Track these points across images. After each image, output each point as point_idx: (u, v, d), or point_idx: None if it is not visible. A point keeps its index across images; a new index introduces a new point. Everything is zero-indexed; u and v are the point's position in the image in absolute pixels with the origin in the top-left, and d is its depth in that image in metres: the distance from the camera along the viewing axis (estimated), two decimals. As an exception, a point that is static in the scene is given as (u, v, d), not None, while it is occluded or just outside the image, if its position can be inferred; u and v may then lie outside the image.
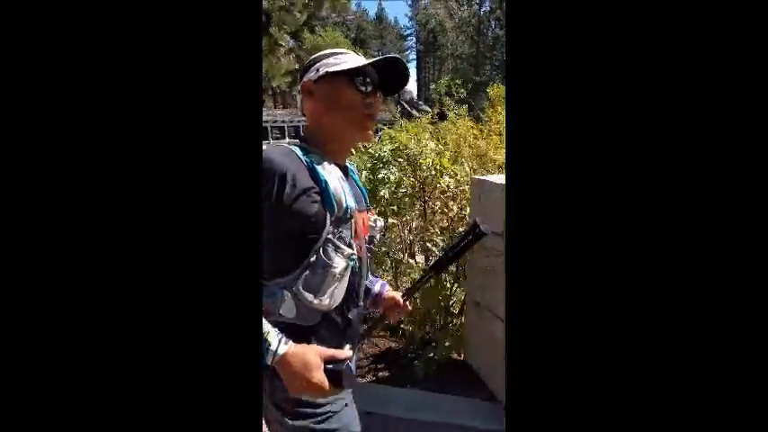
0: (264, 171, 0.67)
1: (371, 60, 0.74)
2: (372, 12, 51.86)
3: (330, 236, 0.72)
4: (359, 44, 39.08)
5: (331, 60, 0.74)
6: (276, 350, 0.64)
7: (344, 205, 0.73)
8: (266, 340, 0.64)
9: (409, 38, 43.37)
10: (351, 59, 0.75)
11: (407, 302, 0.93)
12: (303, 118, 0.79)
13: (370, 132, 0.78)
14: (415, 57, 41.31)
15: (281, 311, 0.71)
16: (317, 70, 0.74)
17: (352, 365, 0.70)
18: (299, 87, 0.78)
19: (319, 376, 0.65)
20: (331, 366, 0.67)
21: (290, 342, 0.67)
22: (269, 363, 0.65)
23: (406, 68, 0.77)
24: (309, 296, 0.71)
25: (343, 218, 0.74)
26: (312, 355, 0.66)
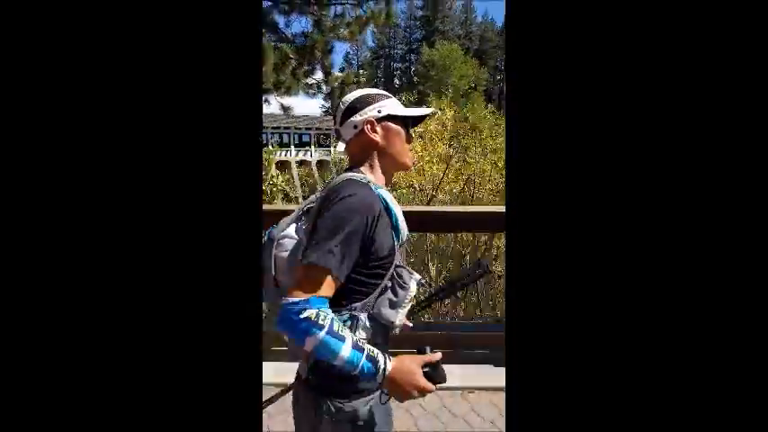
0: (358, 211, 0.78)
1: (419, 112, 0.94)
2: (500, 21, 48.35)
3: (398, 261, 0.85)
4: (480, 55, 43.66)
5: (386, 103, 0.90)
6: (386, 368, 0.76)
7: (406, 233, 0.89)
8: (375, 359, 0.76)
9: None
10: (397, 104, 0.92)
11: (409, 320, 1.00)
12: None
13: (412, 165, 0.98)
14: None
15: (357, 332, 0.81)
16: (379, 111, 0.89)
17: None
18: (358, 121, 0.89)
19: (423, 382, 0.79)
20: (427, 370, 0.80)
21: (391, 358, 0.78)
22: (380, 379, 0.77)
23: (429, 117, 0.98)
24: (391, 315, 0.84)
25: (402, 244, 0.88)
26: (414, 366, 0.79)
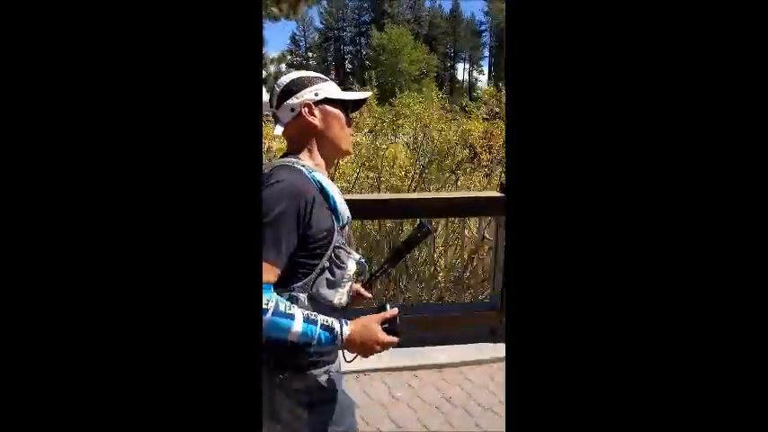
0: (288, 196, 0.79)
1: (357, 96, 0.95)
2: (447, 8, 48.74)
3: (337, 243, 0.88)
4: (430, 41, 42.68)
5: (323, 86, 0.90)
6: (342, 332, 0.81)
7: (347, 216, 0.91)
8: (330, 327, 0.80)
9: (484, 34, 44.55)
10: (335, 88, 0.93)
11: (369, 291, 1.07)
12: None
13: (351, 149, 1.00)
14: (488, 53, 44.13)
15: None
16: (316, 94, 0.89)
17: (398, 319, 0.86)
18: (295, 104, 0.89)
19: (384, 338, 0.83)
20: (387, 325, 0.85)
21: (349, 322, 0.83)
22: (339, 344, 0.81)
23: (365, 102, 0.99)
24: (330, 295, 0.87)
25: (343, 226, 0.91)
26: (372, 324, 0.83)
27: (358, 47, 46.95)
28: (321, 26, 49.59)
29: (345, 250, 0.91)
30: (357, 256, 0.94)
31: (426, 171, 4.28)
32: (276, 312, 0.78)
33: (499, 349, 2.23)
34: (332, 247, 0.88)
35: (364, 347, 0.84)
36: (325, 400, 0.93)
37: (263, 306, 0.77)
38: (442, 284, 3.06)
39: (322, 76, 0.95)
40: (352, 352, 0.85)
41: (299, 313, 0.80)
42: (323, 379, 0.92)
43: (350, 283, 0.93)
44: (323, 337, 0.81)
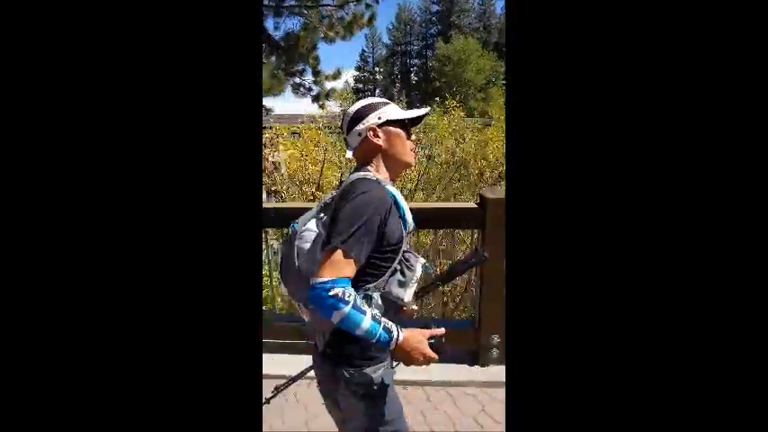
0: (373, 204, 0.91)
1: (416, 114, 1.05)
2: None
3: (406, 248, 0.99)
4: (501, 48, 40.68)
5: (385, 110, 1.03)
6: (399, 336, 0.90)
7: (412, 225, 1.03)
8: (390, 330, 0.89)
9: None
10: (396, 109, 1.04)
11: (416, 302, 1.12)
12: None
13: (414, 161, 1.09)
14: None
15: (370, 309, 0.90)
16: (379, 117, 1.02)
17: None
18: (361, 129, 1.02)
19: (429, 351, 0.93)
20: (432, 341, 0.94)
21: (402, 329, 0.91)
22: (393, 347, 0.90)
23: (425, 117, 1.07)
24: (401, 293, 0.98)
25: (410, 233, 1.02)
26: (421, 337, 0.93)
27: (424, 59, 47.31)
28: (389, 41, 51.20)
29: (414, 254, 1.03)
30: (423, 261, 1.04)
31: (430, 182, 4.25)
32: (354, 306, 0.88)
33: (476, 373, 2.14)
34: (401, 251, 0.99)
35: (410, 356, 0.93)
36: (380, 393, 1.02)
37: (346, 297, 0.86)
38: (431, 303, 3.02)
39: (385, 100, 1.08)
40: (399, 358, 0.94)
41: (369, 311, 0.90)
42: (378, 374, 1.01)
43: (417, 284, 1.03)
44: (382, 337, 0.90)
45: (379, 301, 0.98)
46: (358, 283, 0.95)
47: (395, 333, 0.91)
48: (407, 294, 1.00)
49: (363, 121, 1.04)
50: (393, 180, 1.08)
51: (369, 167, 1.04)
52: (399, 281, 0.99)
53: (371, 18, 6.63)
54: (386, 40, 52.20)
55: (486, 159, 5.52)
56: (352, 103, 1.11)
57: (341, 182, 1.06)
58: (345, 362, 0.99)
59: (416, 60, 50.42)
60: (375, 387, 1.01)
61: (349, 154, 1.08)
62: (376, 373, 1.01)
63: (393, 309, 1.01)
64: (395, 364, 1.00)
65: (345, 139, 1.08)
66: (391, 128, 1.05)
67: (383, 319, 0.91)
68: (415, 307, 1.10)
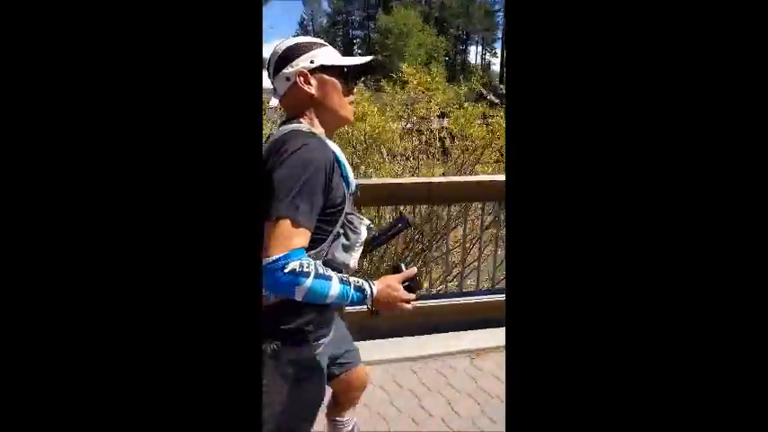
0: (314, 160, 0.80)
1: (355, 61, 0.92)
2: None
3: (349, 210, 0.90)
4: (441, 23, 40.30)
5: (320, 52, 0.88)
6: (372, 290, 0.86)
7: (355, 184, 0.94)
8: (362, 288, 0.84)
9: (498, 14, 41.60)
10: (334, 53, 0.91)
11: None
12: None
13: (352, 117, 0.97)
14: (501, 35, 40.71)
15: None
16: (311, 61, 0.87)
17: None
18: (289, 73, 0.87)
19: (405, 294, 0.90)
20: (407, 284, 0.92)
21: (374, 282, 0.87)
22: (369, 303, 0.86)
23: (373, 67, 1.03)
24: (345, 258, 0.90)
25: (353, 193, 0.93)
26: (395, 283, 0.89)
27: (366, 30, 46.04)
28: (329, 10, 49.12)
29: (357, 216, 0.95)
30: (367, 222, 0.97)
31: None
32: (318, 275, 0.80)
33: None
34: (344, 213, 0.90)
35: (390, 305, 0.90)
36: (314, 377, 0.96)
37: (305, 269, 0.78)
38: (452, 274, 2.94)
39: (320, 41, 0.93)
40: (379, 309, 0.90)
41: (334, 275, 0.83)
42: (317, 352, 0.95)
43: (361, 247, 0.96)
44: (355, 297, 0.85)
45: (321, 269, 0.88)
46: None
47: (367, 289, 0.87)
48: (353, 259, 0.94)
49: (292, 64, 0.89)
50: (328, 136, 0.94)
51: (301, 120, 0.91)
52: (343, 245, 0.91)
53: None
54: (326, 7, 49.62)
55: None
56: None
57: (268, 136, 0.91)
58: (273, 335, 0.89)
59: (359, 31, 48.90)
60: (304, 367, 0.94)
61: (273, 102, 0.93)
62: (310, 351, 0.93)
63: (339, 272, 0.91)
64: (377, 315, 0.94)
65: (272, 84, 0.92)
66: (326, 75, 0.91)
67: (351, 279, 0.86)
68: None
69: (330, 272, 0.84)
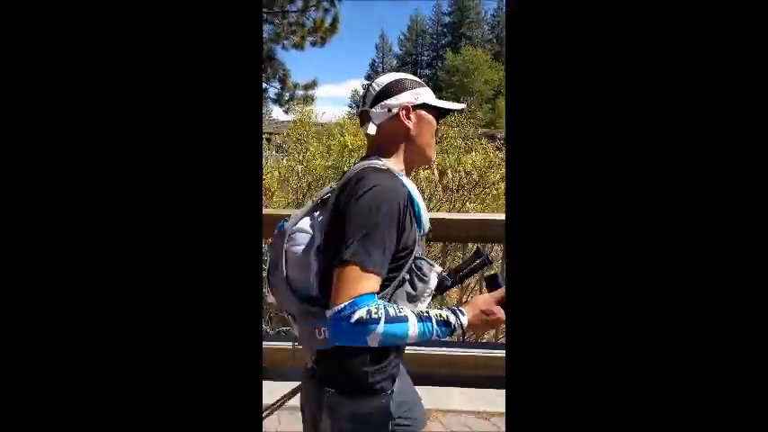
0: (387, 199, 0.73)
1: (453, 106, 0.92)
2: None
3: (418, 254, 0.80)
4: None
5: (422, 91, 0.87)
6: (461, 322, 0.76)
7: (428, 225, 0.83)
8: (447, 322, 0.74)
9: None
10: (431, 94, 0.89)
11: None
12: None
13: (435, 159, 0.95)
14: None
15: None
16: (416, 98, 0.86)
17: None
18: (393, 105, 0.84)
19: (501, 313, 0.79)
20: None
21: (463, 309, 0.78)
22: (458, 333, 0.77)
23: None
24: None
25: (424, 236, 0.82)
26: (489, 307, 0.80)
27: (434, 69, 47.44)
28: (399, 51, 52.51)
29: (428, 262, 0.83)
30: (439, 269, 0.85)
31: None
32: (388, 320, 0.70)
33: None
34: (413, 257, 0.81)
35: (484, 328, 0.86)
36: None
37: (373, 315, 0.69)
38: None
39: (421, 80, 0.92)
40: (476, 331, 0.94)
41: (411, 313, 0.74)
42: (377, 406, 0.81)
43: (430, 298, 0.84)
44: (440, 332, 0.76)
45: None
46: None
47: (454, 321, 0.77)
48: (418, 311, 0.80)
49: (397, 97, 0.87)
50: (408, 175, 0.89)
51: (380, 156, 0.86)
52: (409, 294, 0.80)
53: (335, 22, 6.68)
54: (396, 50, 52.77)
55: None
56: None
57: (343, 173, 0.86)
58: (333, 383, 0.80)
59: (427, 71, 50.68)
60: (369, 424, 0.81)
61: (371, 129, 0.87)
62: (374, 403, 0.81)
63: None
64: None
65: (365, 113, 0.88)
66: (425, 113, 0.89)
67: (434, 313, 0.76)
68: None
69: (405, 310, 0.74)
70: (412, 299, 0.81)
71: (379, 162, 0.85)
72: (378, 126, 0.88)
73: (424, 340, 0.75)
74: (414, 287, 0.81)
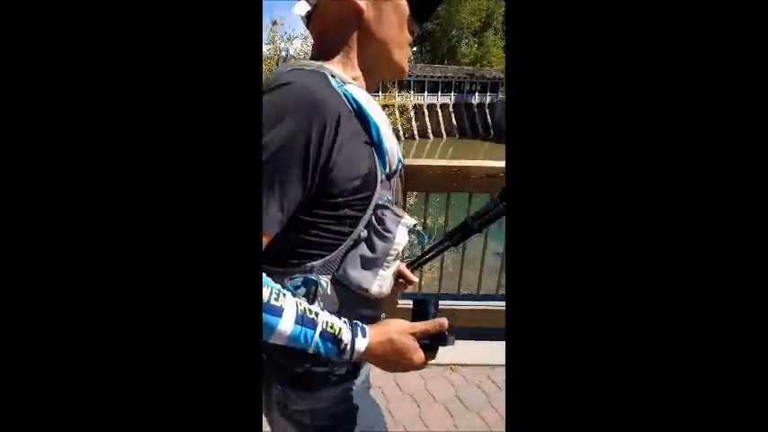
0: (296, 110, 0.50)
1: None
2: None
3: (381, 200, 0.58)
4: None
5: None
6: (355, 346, 0.54)
7: (397, 158, 0.60)
8: (335, 337, 0.53)
9: None
10: None
11: (414, 274, 0.78)
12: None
13: (407, 70, 0.64)
14: None
15: (315, 304, 0.56)
16: None
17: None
18: None
19: (418, 358, 0.57)
20: (427, 342, 0.58)
21: (367, 330, 0.56)
22: (348, 360, 0.54)
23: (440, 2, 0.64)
24: (365, 279, 0.57)
25: (391, 175, 0.60)
26: (404, 339, 0.56)
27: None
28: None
29: (394, 212, 0.60)
30: (410, 222, 0.63)
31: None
32: (264, 305, 0.51)
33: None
34: (372, 205, 0.58)
35: (388, 365, 0.59)
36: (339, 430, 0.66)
37: None
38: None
39: None
40: (373, 363, 0.59)
41: (290, 307, 0.53)
42: (337, 399, 0.65)
43: (397, 262, 0.63)
44: (322, 347, 0.54)
45: (329, 292, 0.59)
46: (291, 259, 0.58)
47: (347, 340, 0.55)
48: (377, 281, 0.61)
49: None
50: (369, 87, 0.63)
51: (330, 58, 0.60)
52: (364, 257, 0.59)
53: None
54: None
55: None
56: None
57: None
58: (281, 376, 0.64)
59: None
60: (326, 423, 0.65)
61: (300, 8, 0.61)
62: (334, 395, 0.65)
63: (357, 303, 0.62)
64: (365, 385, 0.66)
65: None
66: (386, 0, 0.59)
67: (322, 320, 0.54)
68: (413, 278, 0.77)
69: (285, 300, 0.53)
70: (369, 264, 0.59)
71: (316, 63, 0.58)
72: (314, 6, 0.60)
73: (298, 347, 0.54)
74: (372, 247, 0.59)
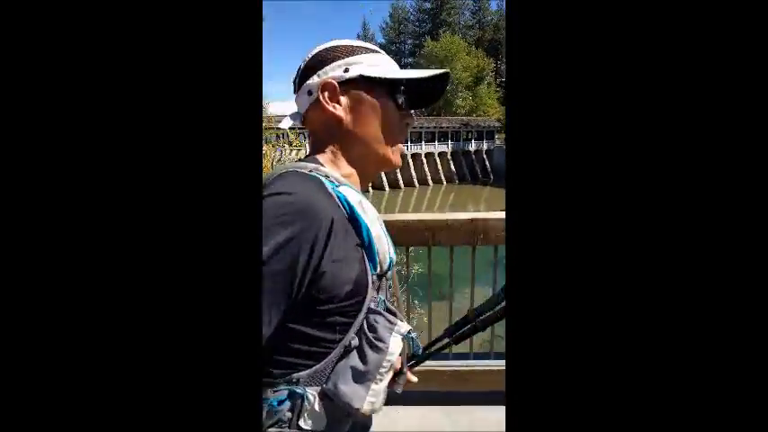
0: (284, 219, 0.50)
1: (418, 74, 0.61)
2: None
3: (373, 304, 0.56)
4: (495, 45, 41.87)
5: (360, 59, 0.60)
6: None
7: (388, 260, 0.60)
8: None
9: None
10: (386, 63, 0.62)
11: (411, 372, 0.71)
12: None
13: (400, 160, 0.64)
14: None
15: (300, 424, 0.53)
16: (346, 69, 0.59)
17: None
18: (312, 85, 0.61)
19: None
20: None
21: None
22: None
23: (446, 84, 0.65)
24: (355, 395, 0.53)
25: (383, 274, 0.59)
26: None
27: (417, 58, 46.74)
28: (383, 41, 52.66)
29: (386, 319, 0.58)
30: (405, 329, 0.59)
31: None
32: None
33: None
34: (364, 309, 0.56)
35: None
36: None
37: None
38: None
39: (368, 45, 0.64)
40: None
41: None
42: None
43: (390, 374, 0.58)
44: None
45: (317, 408, 0.55)
46: (275, 370, 0.55)
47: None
48: (369, 396, 0.56)
49: (320, 72, 0.61)
50: (363, 183, 0.65)
51: (320, 156, 0.63)
52: (355, 370, 0.55)
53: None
54: (380, 39, 52.61)
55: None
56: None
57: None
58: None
59: (410, 59, 51.11)
60: None
61: (287, 122, 0.65)
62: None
63: (345, 420, 0.58)
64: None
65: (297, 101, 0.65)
66: (364, 94, 0.61)
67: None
68: (413, 378, 0.72)
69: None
70: (360, 377, 0.55)
71: (311, 165, 0.60)
72: (305, 117, 0.64)
73: None
74: (364, 359, 0.55)
